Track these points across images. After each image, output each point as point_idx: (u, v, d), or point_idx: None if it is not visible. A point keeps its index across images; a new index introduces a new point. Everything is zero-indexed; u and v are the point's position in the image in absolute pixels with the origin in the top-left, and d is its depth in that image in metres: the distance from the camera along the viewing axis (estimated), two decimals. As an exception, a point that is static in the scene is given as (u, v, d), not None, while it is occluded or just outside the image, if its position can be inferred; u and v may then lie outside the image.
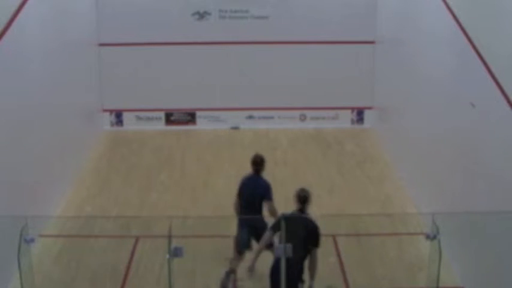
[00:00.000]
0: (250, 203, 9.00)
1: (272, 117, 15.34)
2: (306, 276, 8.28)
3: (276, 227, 8.10)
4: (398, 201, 11.69)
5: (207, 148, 14.17)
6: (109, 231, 10.59)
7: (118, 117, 15.27)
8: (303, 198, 8.15)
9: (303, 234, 7.91)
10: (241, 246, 9.01)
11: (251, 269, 8.56)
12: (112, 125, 15.26)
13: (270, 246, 8.54)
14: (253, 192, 9.00)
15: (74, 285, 9.25)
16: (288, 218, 7.77)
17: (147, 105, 15.13)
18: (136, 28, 14.58)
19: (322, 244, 8.77)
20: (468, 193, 9.14)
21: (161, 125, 15.30)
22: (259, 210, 9.00)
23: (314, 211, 11.19)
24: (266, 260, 9.53)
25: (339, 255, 9.92)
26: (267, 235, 8.32)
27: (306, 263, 8.18)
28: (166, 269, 8.31)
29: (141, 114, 15.25)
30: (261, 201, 8.97)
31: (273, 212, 8.84)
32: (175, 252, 8.00)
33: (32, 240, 7.94)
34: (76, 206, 11.58)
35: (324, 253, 9.96)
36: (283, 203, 11.54)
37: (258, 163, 9.16)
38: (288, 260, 7.45)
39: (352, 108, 15.36)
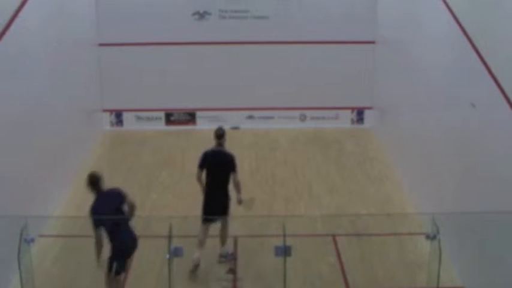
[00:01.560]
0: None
1: (272, 117, 15.35)
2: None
3: (202, 164, 9.54)
4: (398, 201, 11.70)
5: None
6: (109, 231, 10.57)
7: (118, 117, 15.27)
8: (219, 134, 9.58)
9: (222, 163, 9.47)
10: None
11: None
12: (112, 125, 15.27)
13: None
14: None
15: (74, 285, 9.26)
16: (210, 153, 9.56)
17: (147, 105, 15.13)
18: (137, 28, 14.58)
19: (321, 243, 8.79)
20: (468, 193, 9.13)
21: (161, 125, 15.30)
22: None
23: (314, 211, 11.28)
24: (266, 260, 9.58)
25: (339, 255, 9.93)
26: (197, 172, 9.56)
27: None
28: (166, 269, 8.32)
29: (141, 114, 15.26)
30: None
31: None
32: (175, 252, 8.01)
33: (32, 240, 7.96)
34: (76, 206, 11.56)
35: (324, 253, 10.02)
36: (284, 202, 11.63)
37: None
38: (217, 184, 9.45)
39: (352, 108, 15.37)
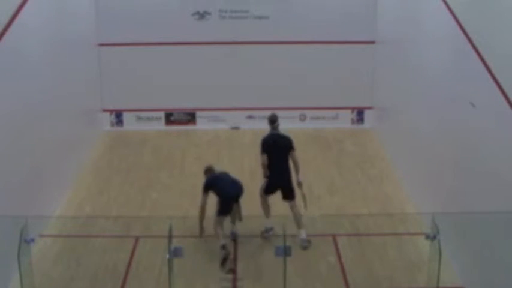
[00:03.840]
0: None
1: (272, 117, 15.31)
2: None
3: (263, 147, 10.22)
4: (398, 201, 11.69)
5: (207, 148, 14.17)
6: (109, 231, 10.60)
7: (118, 117, 15.28)
8: (273, 120, 10.26)
9: (283, 145, 10.24)
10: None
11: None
12: (112, 125, 15.27)
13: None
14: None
15: (73, 285, 9.25)
16: (269, 138, 10.23)
17: (147, 105, 15.13)
18: (136, 28, 14.58)
19: (321, 242, 8.70)
20: (468, 193, 9.14)
21: (161, 125, 15.30)
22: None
23: (314, 211, 11.28)
24: (266, 259, 9.58)
25: (339, 255, 9.93)
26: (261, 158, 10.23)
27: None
28: (166, 269, 8.33)
29: (141, 114, 15.26)
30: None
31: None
32: (175, 252, 8.01)
33: (32, 240, 7.96)
34: (76, 206, 11.58)
35: (324, 253, 10.02)
36: (284, 202, 11.60)
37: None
38: (282, 166, 10.26)
39: (352, 108, 15.37)
